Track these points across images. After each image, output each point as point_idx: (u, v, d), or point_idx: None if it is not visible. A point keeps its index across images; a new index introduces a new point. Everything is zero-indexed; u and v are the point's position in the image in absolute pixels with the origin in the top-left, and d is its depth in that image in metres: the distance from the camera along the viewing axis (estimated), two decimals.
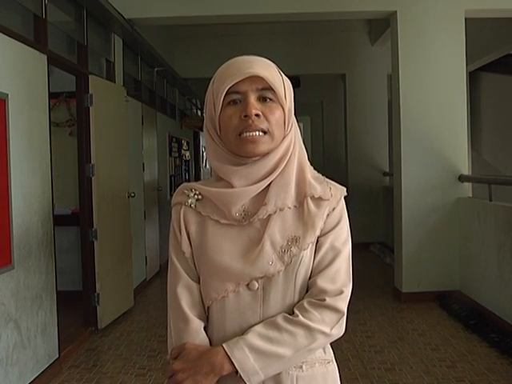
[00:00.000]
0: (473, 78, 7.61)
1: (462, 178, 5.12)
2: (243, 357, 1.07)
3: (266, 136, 1.12)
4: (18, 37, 3.18)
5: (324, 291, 1.12)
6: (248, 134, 1.11)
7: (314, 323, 1.10)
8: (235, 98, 1.11)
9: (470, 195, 5.29)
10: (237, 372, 1.07)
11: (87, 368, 3.70)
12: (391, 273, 5.76)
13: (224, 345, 1.09)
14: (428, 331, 4.32)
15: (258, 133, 1.11)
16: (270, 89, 1.11)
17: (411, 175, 5.15)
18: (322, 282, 1.13)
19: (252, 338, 1.08)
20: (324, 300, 1.12)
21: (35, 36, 3.51)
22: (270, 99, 1.12)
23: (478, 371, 3.48)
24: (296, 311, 1.12)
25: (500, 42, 6.65)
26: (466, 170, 5.19)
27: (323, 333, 1.11)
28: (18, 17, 3.46)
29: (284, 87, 1.14)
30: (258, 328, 1.10)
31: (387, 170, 8.24)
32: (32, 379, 3.25)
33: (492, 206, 4.50)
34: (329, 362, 1.20)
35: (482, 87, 8.24)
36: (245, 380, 1.07)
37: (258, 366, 1.07)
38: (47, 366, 3.46)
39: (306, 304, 1.12)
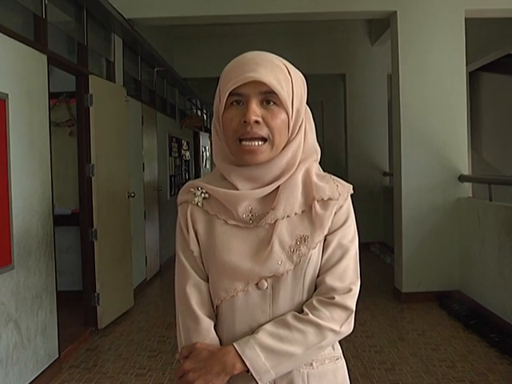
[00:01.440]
0: (473, 78, 7.62)
1: (461, 178, 5.12)
2: (254, 356, 1.07)
3: (266, 144, 1.10)
4: (18, 37, 3.18)
5: (333, 289, 1.13)
6: (246, 143, 1.09)
7: (324, 321, 1.10)
8: (238, 100, 1.10)
9: (470, 195, 5.29)
10: (248, 371, 1.07)
11: (87, 368, 3.70)
12: (391, 273, 5.76)
13: (235, 344, 1.09)
14: (428, 331, 4.32)
15: (256, 142, 1.09)
16: (274, 92, 1.08)
17: (411, 175, 5.15)
18: (331, 279, 1.13)
19: (263, 336, 1.09)
20: (333, 298, 1.12)
21: (35, 36, 3.51)
22: (274, 103, 1.10)
23: (477, 371, 3.48)
24: (305, 309, 1.12)
25: (500, 42, 6.65)
26: (466, 170, 5.19)
27: (333, 330, 1.11)
28: (18, 17, 3.45)
29: (292, 88, 1.11)
30: (268, 327, 1.10)
31: (387, 170, 8.24)
32: (32, 379, 3.25)
33: (492, 206, 4.50)
34: (338, 359, 1.20)
35: (481, 87, 8.24)
36: (256, 379, 1.07)
37: (269, 365, 1.07)
38: (47, 365, 3.46)
39: (315, 302, 1.12)
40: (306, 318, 1.10)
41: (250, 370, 1.06)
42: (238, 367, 1.07)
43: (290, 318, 1.11)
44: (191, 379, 1.08)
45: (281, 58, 1.15)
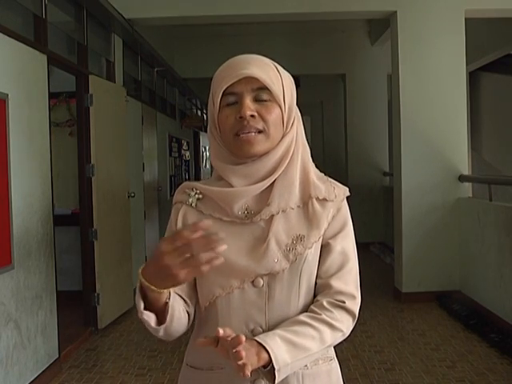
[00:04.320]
0: (473, 78, 7.61)
1: (461, 178, 5.12)
2: (277, 346, 1.03)
3: (262, 135, 1.11)
4: (18, 37, 3.18)
5: (341, 293, 1.14)
6: (244, 134, 1.11)
7: (336, 322, 1.11)
8: (231, 99, 1.12)
9: (470, 195, 5.29)
10: (265, 366, 1.03)
11: (87, 368, 3.70)
12: (391, 273, 5.76)
13: (256, 338, 1.05)
14: (428, 331, 4.32)
15: (253, 133, 1.11)
16: (266, 88, 1.11)
17: (411, 175, 5.15)
18: (338, 283, 1.14)
19: (282, 331, 1.07)
20: (343, 302, 1.13)
21: (35, 36, 3.51)
22: (267, 99, 1.12)
23: (478, 371, 3.48)
24: (317, 310, 1.12)
25: (500, 42, 6.64)
26: (465, 170, 5.19)
27: (342, 332, 1.13)
28: (18, 17, 3.45)
29: (282, 85, 1.13)
30: (285, 324, 1.10)
31: (387, 169, 8.24)
32: (32, 379, 3.25)
33: (492, 206, 4.50)
34: (331, 360, 1.21)
35: (481, 87, 8.24)
36: (275, 368, 1.02)
37: (289, 357, 1.04)
38: (47, 365, 3.46)
39: (326, 304, 1.13)
40: (320, 318, 1.11)
41: (272, 359, 1.02)
42: (263, 357, 1.01)
43: (305, 317, 1.11)
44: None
45: (270, 60, 1.17)
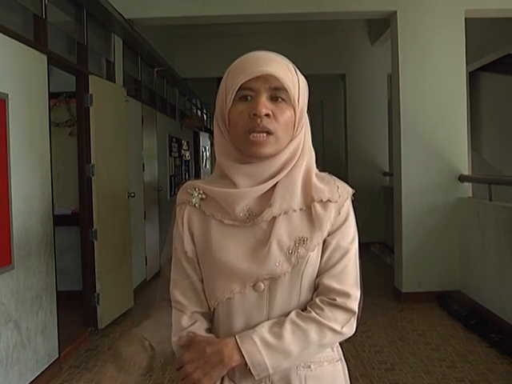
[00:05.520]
0: (473, 78, 7.61)
1: (461, 178, 5.12)
2: (254, 350, 1.07)
3: (272, 137, 1.10)
4: (18, 37, 3.18)
5: (333, 291, 1.13)
6: (254, 135, 1.10)
7: (326, 320, 1.11)
8: (247, 95, 1.10)
9: (470, 195, 5.29)
10: (246, 364, 1.07)
11: (87, 368, 3.70)
12: (391, 273, 5.75)
13: (236, 336, 1.09)
14: (428, 331, 4.32)
15: (264, 135, 1.10)
16: (283, 89, 1.10)
17: (411, 175, 5.15)
18: (330, 281, 1.13)
19: (265, 332, 1.08)
20: (335, 299, 1.12)
21: (35, 36, 3.51)
22: (282, 99, 1.11)
23: (478, 371, 3.48)
24: (308, 308, 1.12)
25: (500, 42, 6.64)
26: (465, 170, 5.19)
27: (333, 330, 1.11)
28: (18, 17, 3.45)
29: (298, 87, 1.13)
30: (271, 323, 1.11)
31: (387, 170, 8.24)
32: (32, 379, 3.25)
33: (492, 205, 4.50)
34: (337, 361, 1.20)
35: (481, 87, 8.24)
36: (254, 374, 1.07)
37: (269, 362, 1.06)
38: (47, 365, 3.46)
39: (318, 301, 1.12)
40: (308, 316, 1.11)
41: (248, 364, 1.06)
42: (236, 359, 1.07)
43: (293, 316, 1.11)
44: (189, 370, 1.08)
45: (288, 60, 1.16)
